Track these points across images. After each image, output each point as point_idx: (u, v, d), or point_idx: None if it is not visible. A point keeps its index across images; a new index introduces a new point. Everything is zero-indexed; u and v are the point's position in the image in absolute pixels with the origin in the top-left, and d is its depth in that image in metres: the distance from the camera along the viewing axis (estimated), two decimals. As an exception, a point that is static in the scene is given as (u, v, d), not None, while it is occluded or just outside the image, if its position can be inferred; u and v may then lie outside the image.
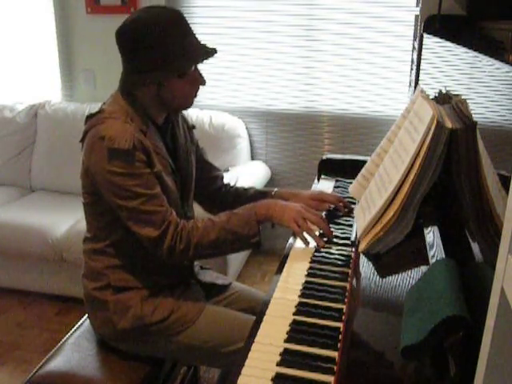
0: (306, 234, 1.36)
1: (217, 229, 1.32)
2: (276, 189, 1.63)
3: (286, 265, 1.28)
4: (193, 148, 1.54)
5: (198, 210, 1.68)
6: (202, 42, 1.35)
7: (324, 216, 1.47)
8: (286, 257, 1.32)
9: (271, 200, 1.43)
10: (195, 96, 1.39)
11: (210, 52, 1.34)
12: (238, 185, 1.67)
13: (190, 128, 1.57)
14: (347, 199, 1.65)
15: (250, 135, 3.07)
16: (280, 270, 1.26)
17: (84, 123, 1.35)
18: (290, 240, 1.41)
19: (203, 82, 1.37)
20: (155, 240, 1.29)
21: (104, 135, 1.26)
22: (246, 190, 1.63)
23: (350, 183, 1.60)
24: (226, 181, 1.67)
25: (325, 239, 1.36)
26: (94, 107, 3.23)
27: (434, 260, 0.98)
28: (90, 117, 1.34)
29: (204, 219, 1.35)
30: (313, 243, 1.35)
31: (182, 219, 1.36)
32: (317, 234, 1.36)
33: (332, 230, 1.44)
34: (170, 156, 1.41)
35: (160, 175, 1.33)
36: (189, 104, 1.40)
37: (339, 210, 1.54)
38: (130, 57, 1.30)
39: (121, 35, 1.30)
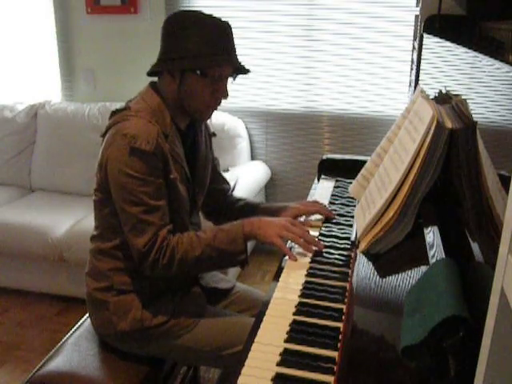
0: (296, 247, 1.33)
1: (202, 245, 1.29)
2: (263, 202, 1.61)
3: (286, 265, 1.28)
4: (210, 157, 1.54)
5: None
6: (242, 61, 1.35)
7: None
8: (284, 261, 1.32)
9: (256, 217, 1.38)
10: (214, 108, 1.38)
11: (239, 68, 1.35)
12: (235, 192, 1.67)
13: (211, 136, 1.57)
14: (347, 199, 1.65)
15: (250, 135, 3.07)
16: (279, 272, 1.26)
17: (108, 118, 1.36)
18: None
19: (226, 95, 1.36)
20: (142, 253, 1.28)
21: (127, 133, 1.26)
22: (236, 201, 1.62)
23: (350, 183, 1.60)
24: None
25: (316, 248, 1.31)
26: (94, 107, 3.24)
27: (434, 260, 0.98)
28: (115, 112, 1.34)
29: (190, 234, 1.32)
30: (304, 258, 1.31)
31: (188, 228, 1.35)
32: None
33: (333, 230, 1.44)
34: (188, 163, 1.40)
35: (175, 183, 1.33)
36: (205, 112, 1.38)
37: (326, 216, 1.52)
38: (167, 41, 1.32)
39: (168, 18, 1.33)
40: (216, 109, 1.39)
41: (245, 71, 1.38)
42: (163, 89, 1.36)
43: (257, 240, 1.33)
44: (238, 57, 1.36)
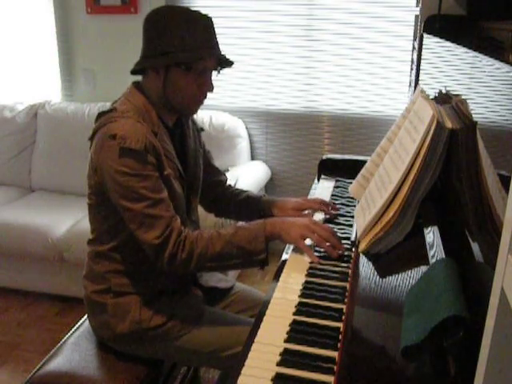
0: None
1: (222, 241, 1.27)
2: (265, 195, 1.62)
3: (286, 265, 1.28)
4: (201, 151, 1.54)
5: (202, 212, 1.67)
6: (225, 54, 1.36)
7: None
8: (284, 261, 1.32)
9: (278, 218, 1.38)
10: (201, 102, 1.38)
11: (223, 60, 1.35)
12: (237, 186, 1.67)
13: (199, 131, 1.56)
14: (347, 199, 1.65)
15: (250, 135, 3.07)
16: (279, 272, 1.26)
17: (94, 121, 1.34)
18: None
19: (210, 89, 1.36)
20: (157, 247, 1.25)
21: (115, 134, 1.24)
22: (238, 193, 1.62)
23: (350, 183, 1.60)
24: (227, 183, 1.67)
25: (339, 252, 1.30)
26: (94, 107, 3.23)
27: (434, 260, 0.98)
28: (101, 115, 1.33)
29: (211, 230, 1.31)
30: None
31: (186, 226, 1.34)
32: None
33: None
34: (179, 159, 1.40)
35: (169, 179, 1.32)
36: (192, 107, 1.38)
37: (326, 213, 1.52)
38: (150, 38, 1.31)
39: (149, 15, 1.32)
40: (202, 103, 1.39)
41: (228, 64, 1.38)
42: (148, 87, 1.36)
43: (280, 240, 1.32)
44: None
